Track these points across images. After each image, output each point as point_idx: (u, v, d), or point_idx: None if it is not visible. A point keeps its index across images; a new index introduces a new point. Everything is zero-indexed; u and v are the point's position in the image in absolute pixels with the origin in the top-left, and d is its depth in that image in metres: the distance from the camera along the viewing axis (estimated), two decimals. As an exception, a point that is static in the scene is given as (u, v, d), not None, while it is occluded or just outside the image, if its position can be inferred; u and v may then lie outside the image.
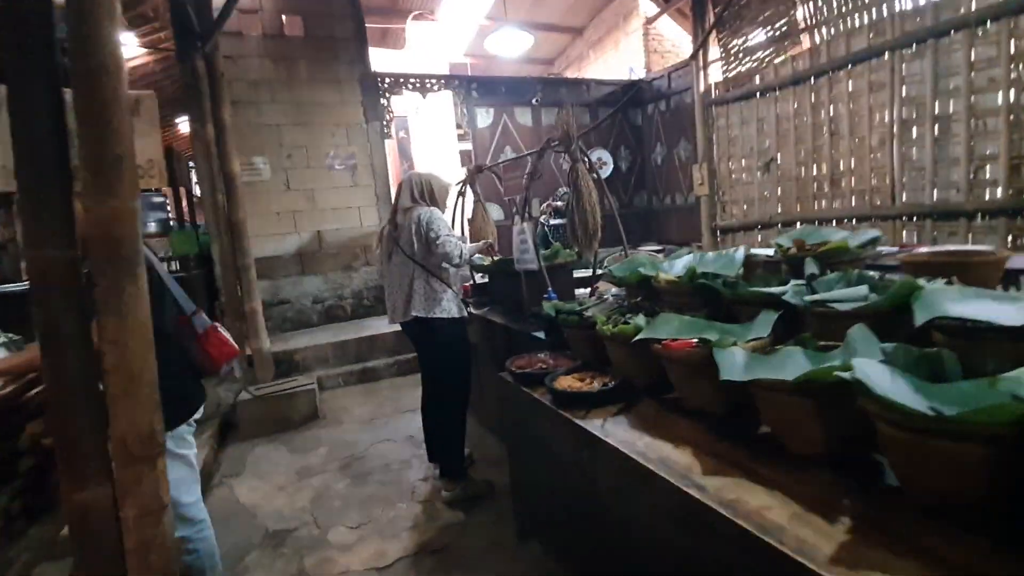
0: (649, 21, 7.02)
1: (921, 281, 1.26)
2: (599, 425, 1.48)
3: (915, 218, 3.76)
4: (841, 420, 1.08)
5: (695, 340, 1.41)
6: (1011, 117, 3.16)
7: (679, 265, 2.01)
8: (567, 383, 1.70)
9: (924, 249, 1.66)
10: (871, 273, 1.54)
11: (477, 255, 2.96)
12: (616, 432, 1.42)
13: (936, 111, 3.52)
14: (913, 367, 1.05)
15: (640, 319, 1.71)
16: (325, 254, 5.25)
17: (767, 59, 4.82)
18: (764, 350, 1.31)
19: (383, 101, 5.40)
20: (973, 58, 3.30)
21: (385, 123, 5.39)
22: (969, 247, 1.55)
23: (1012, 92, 3.15)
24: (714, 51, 5.32)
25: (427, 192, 2.48)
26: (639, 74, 6.97)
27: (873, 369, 0.98)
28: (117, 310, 1.16)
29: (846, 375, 0.97)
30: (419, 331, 2.51)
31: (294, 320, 5.12)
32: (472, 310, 3.15)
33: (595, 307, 2.10)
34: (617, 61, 7.92)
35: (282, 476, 2.98)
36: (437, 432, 2.62)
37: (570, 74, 8.94)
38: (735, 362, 1.23)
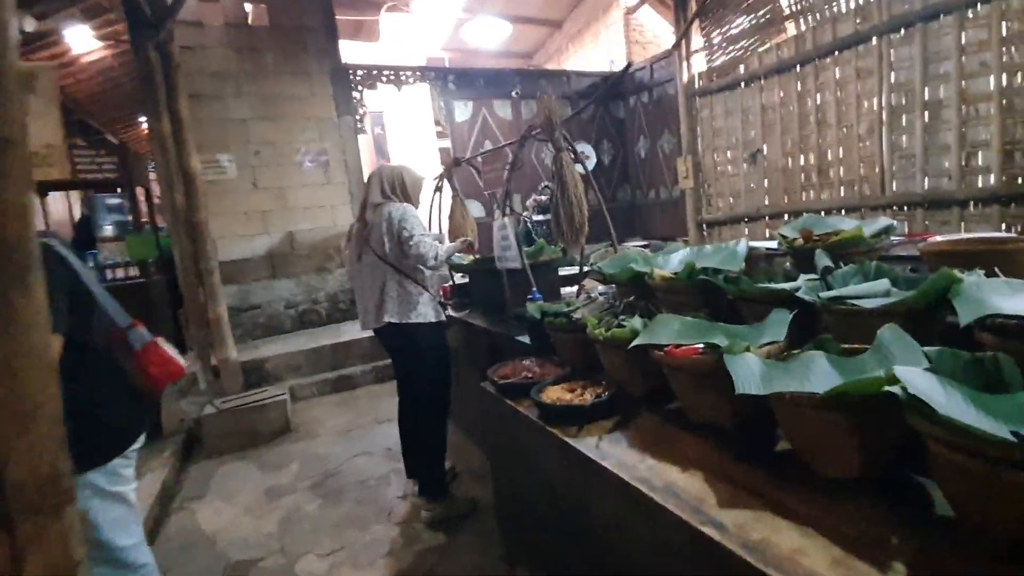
0: (629, 12, 6.88)
1: (956, 273, 1.10)
2: (594, 444, 1.30)
3: (906, 208, 3.67)
4: (881, 439, 0.92)
5: (701, 345, 1.24)
6: (1003, 102, 3.07)
7: (674, 260, 1.85)
8: (556, 395, 1.52)
9: (940, 238, 1.51)
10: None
11: (456, 254, 2.76)
12: (614, 453, 1.25)
13: (926, 97, 3.43)
14: (962, 375, 0.89)
15: (636, 321, 1.54)
16: (297, 256, 4.99)
17: (751, 48, 4.71)
18: (780, 356, 1.15)
19: (355, 94, 5.15)
20: (964, 42, 3.20)
21: (358, 117, 5.15)
22: (997, 234, 1.41)
23: (1004, 76, 3.06)
24: (697, 41, 5.19)
25: (399, 186, 2.28)
26: (620, 66, 6.82)
27: (921, 380, 0.82)
28: (4, 328, 0.94)
29: (897, 390, 0.81)
30: (393, 338, 2.31)
31: (265, 326, 4.86)
32: (452, 312, 2.95)
33: (584, 307, 1.92)
34: (597, 54, 7.77)
35: (249, 497, 2.76)
36: (415, 446, 2.42)
37: (550, 68, 8.76)
38: (751, 372, 1.06)
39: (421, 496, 2.36)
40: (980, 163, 3.24)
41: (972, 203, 3.31)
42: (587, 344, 1.61)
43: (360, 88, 5.17)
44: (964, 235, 1.46)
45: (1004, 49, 3.03)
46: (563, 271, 2.73)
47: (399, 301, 2.23)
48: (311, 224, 5.02)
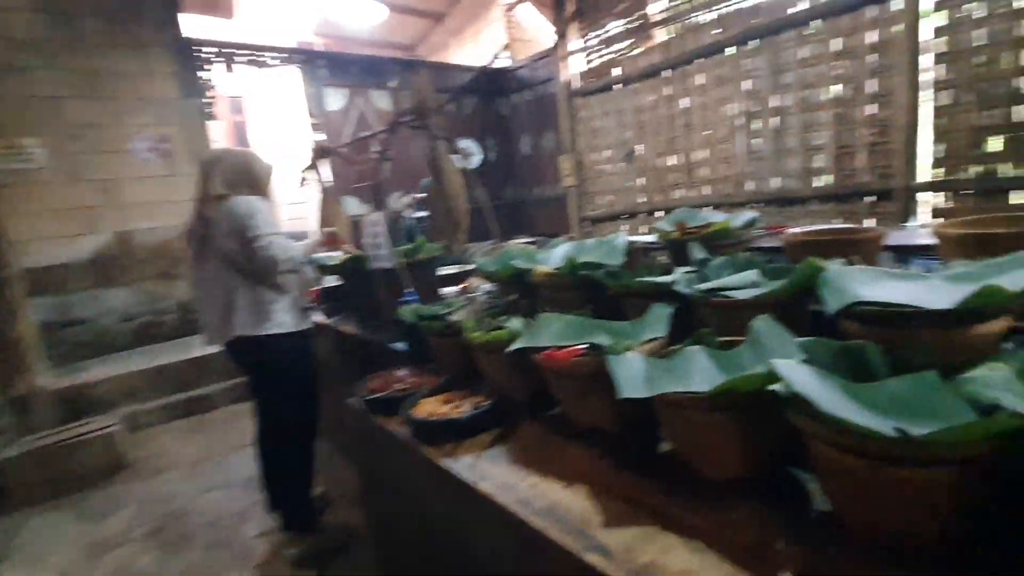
0: (509, 8, 6.88)
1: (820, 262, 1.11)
2: (471, 464, 1.15)
3: (763, 204, 4.01)
4: (766, 436, 0.87)
5: (584, 346, 1.15)
6: (837, 111, 3.45)
7: (556, 255, 1.77)
8: (430, 408, 1.35)
9: (798, 229, 1.59)
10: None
11: (326, 253, 2.47)
12: (492, 472, 1.10)
13: (776, 104, 3.76)
14: (833, 365, 0.87)
15: (516, 321, 1.42)
16: (134, 260, 4.24)
17: (625, 51, 4.89)
18: (662, 352, 1.08)
19: (203, 74, 4.50)
20: (804, 55, 3.55)
21: (207, 100, 4.50)
22: (846, 225, 1.50)
23: (837, 87, 3.43)
24: (577, 42, 5.29)
25: (244, 176, 1.95)
26: (504, 63, 6.80)
27: (798, 373, 0.77)
28: None
29: (779, 388, 0.75)
30: (247, 352, 1.98)
31: (93, 344, 4.06)
32: (321, 318, 2.65)
33: (464, 309, 1.77)
34: (479, 50, 7.68)
35: (66, 556, 2.23)
36: (278, 474, 2.10)
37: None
38: (634, 373, 0.97)
39: (286, 531, 2.06)
40: (820, 164, 3.63)
41: (813, 200, 3.70)
42: (467, 349, 1.46)
43: (209, 67, 4.53)
44: (820, 226, 1.53)
45: (837, 63, 3.41)
46: (447, 270, 2.56)
47: (251, 310, 1.91)
48: (152, 222, 4.29)
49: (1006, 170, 2.72)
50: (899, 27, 3.03)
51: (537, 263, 1.69)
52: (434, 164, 2.05)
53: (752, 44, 3.84)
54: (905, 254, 1.47)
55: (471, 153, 6.13)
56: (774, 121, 3.79)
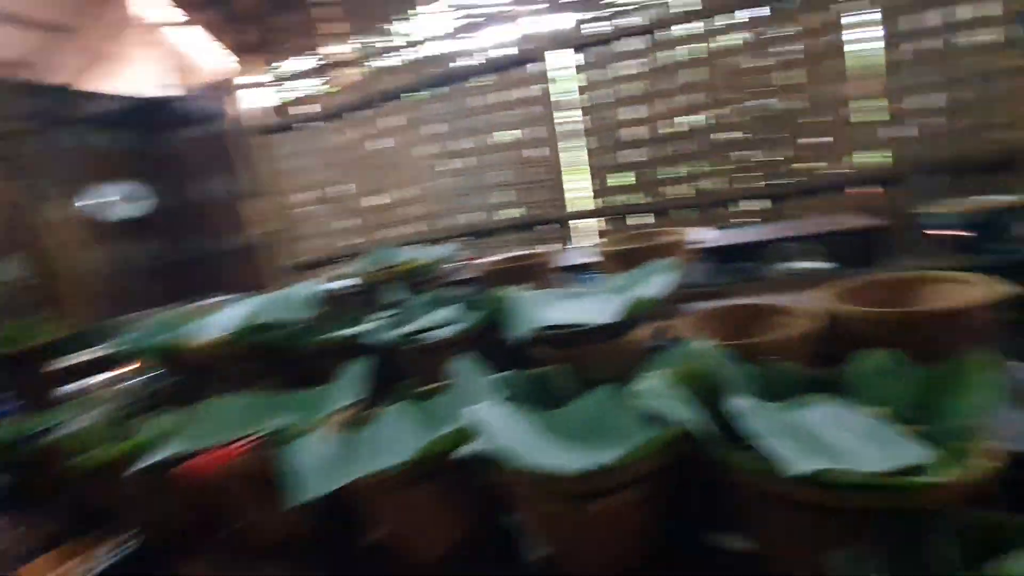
0: (158, 27, 5.89)
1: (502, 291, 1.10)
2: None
3: (472, 237, 4.27)
4: (474, 493, 0.77)
5: (260, 434, 0.87)
6: (513, 152, 3.95)
7: (228, 318, 1.41)
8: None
9: (481, 260, 1.64)
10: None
11: None
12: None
13: (464, 146, 4.11)
14: (529, 394, 0.84)
15: (166, 418, 1.05)
16: None
17: (319, 88, 4.67)
18: (362, 418, 0.90)
19: None
20: (481, 103, 3.98)
21: None
22: (522, 252, 1.62)
23: (511, 132, 3.93)
24: (263, 75, 4.82)
25: None
26: (172, 92, 5.72)
27: (489, 417, 0.69)
28: None
29: (472, 450, 0.65)
30: None
31: None
32: None
33: (94, 412, 1.26)
34: (135, 77, 6.34)
35: None
36: None
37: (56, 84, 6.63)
38: (313, 463, 0.76)
39: None
40: (505, 199, 4.08)
41: (502, 231, 4.15)
42: (89, 476, 1.00)
43: None
44: (501, 255, 1.61)
45: (507, 112, 3.90)
46: (73, 359, 1.85)
47: None
48: None
49: (638, 199, 3.56)
50: (543, 85, 3.67)
51: (198, 331, 1.31)
52: (18, 216, 1.43)
53: (436, 91, 4.12)
54: (572, 272, 1.67)
55: (129, 199, 4.91)
56: (465, 161, 4.12)
